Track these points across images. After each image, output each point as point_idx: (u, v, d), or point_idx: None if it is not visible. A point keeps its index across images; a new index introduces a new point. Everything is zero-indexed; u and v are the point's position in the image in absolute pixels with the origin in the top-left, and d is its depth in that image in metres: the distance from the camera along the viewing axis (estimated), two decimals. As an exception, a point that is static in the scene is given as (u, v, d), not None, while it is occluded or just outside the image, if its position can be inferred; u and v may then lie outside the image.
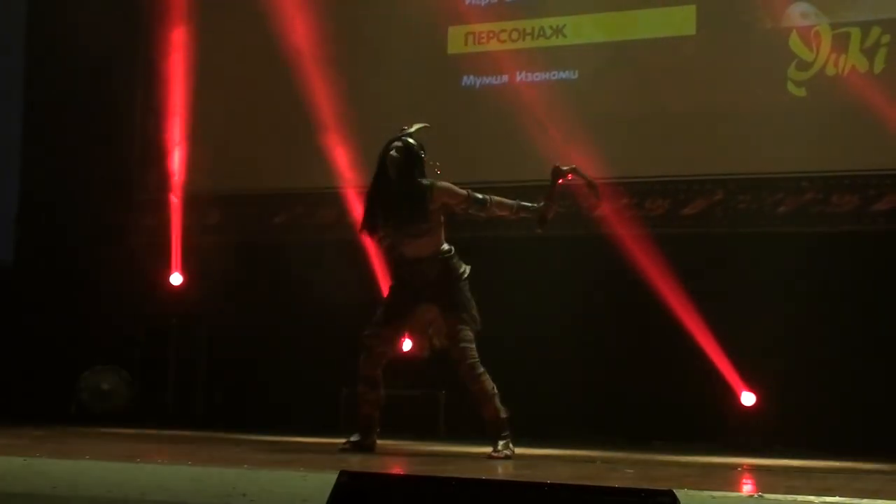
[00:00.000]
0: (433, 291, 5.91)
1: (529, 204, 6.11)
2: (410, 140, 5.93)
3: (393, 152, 5.88)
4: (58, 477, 3.87)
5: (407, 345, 7.35)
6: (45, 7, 10.07)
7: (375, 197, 5.98)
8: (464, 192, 6.00)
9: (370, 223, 6.00)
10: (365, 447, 5.95)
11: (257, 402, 8.99)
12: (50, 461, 4.49)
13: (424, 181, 5.89)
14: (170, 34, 9.56)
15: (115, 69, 9.62)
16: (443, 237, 6.00)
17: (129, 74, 9.80)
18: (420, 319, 6.00)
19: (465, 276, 5.99)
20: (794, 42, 8.02)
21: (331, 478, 2.50)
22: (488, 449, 5.80)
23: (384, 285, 8.02)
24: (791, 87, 8.02)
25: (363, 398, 6.04)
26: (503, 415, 5.86)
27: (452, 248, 6.01)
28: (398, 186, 5.86)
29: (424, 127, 6.06)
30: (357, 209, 8.57)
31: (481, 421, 5.96)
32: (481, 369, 5.86)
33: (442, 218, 5.98)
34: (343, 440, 6.13)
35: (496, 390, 5.87)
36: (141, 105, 9.84)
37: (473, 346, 5.87)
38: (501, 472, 4.84)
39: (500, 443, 5.79)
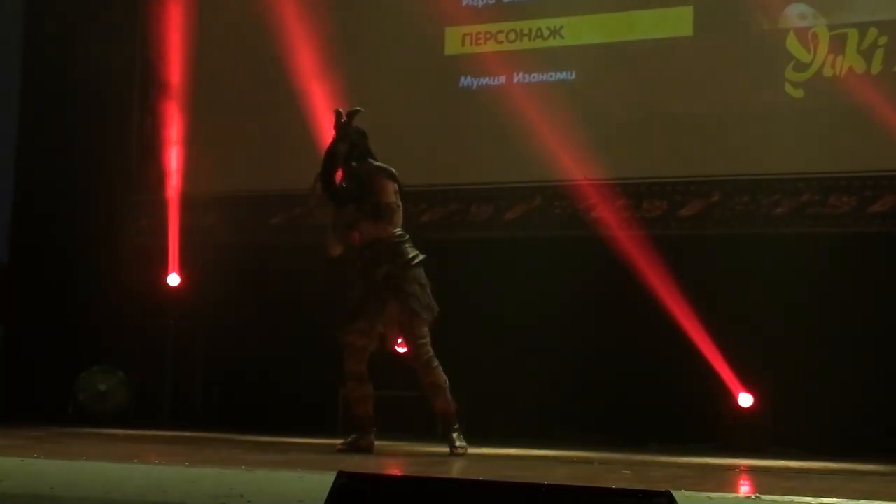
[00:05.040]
0: (388, 281, 5.95)
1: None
2: (353, 134, 6.11)
3: (341, 151, 6.06)
4: (55, 478, 3.87)
5: (403, 346, 7.40)
6: (41, 8, 10.06)
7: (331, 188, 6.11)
8: (393, 190, 6.04)
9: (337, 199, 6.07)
10: (362, 448, 5.95)
11: (255, 402, 8.99)
12: (47, 462, 4.48)
13: (370, 165, 6.05)
14: (166, 34, 9.56)
15: (112, 69, 9.62)
16: (397, 221, 6.03)
17: (125, 75, 9.79)
18: (389, 315, 6.02)
19: (417, 261, 5.99)
20: (792, 43, 8.02)
21: (329, 478, 2.50)
22: (486, 450, 5.83)
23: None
24: (788, 88, 8.02)
25: (354, 396, 6.07)
26: (454, 406, 5.98)
27: (406, 234, 6.05)
28: (350, 168, 6.04)
29: (359, 112, 6.19)
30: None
31: (432, 413, 6.10)
32: (436, 363, 5.98)
33: (399, 202, 6.05)
34: (341, 441, 6.13)
35: (447, 383, 5.98)
36: (138, 105, 9.83)
37: (427, 339, 5.97)
38: (499, 473, 4.83)
39: (454, 435, 5.93)
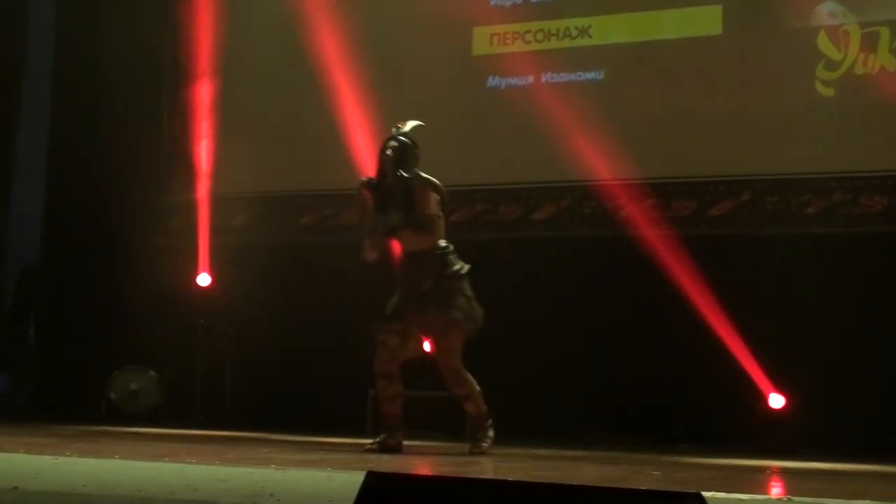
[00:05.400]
0: (432, 292, 5.96)
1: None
2: (405, 138, 6.09)
3: (388, 151, 6.06)
4: (87, 476, 3.90)
5: (431, 347, 7.41)
6: (72, 9, 10.13)
7: (375, 193, 6.12)
8: (435, 201, 6.07)
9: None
10: (391, 447, 5.96)
11: (285, 402, 9.01)
12: (80, 460, 4.53)
13: (416, 176, 6.05)
14: (196, 34, 9.60)
15: (141, 69, 9.67)
16: (439, 232, 6.04)
17: (155, 75, 9.85)
18: (426, 322, 6.03)
19: (463, 272, 6.00)
20: (823, 41, 7.98)
21: (358, 478, 2.50)
22: (514, 450, 5.84)
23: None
24: (819, 86, 7.97)
25: (383, 395, 6.08)
26: (484, 409, 6.07)
27: (450, 246, 6.06)
28: (393, 181, 6.03)
29: (419, 125, 6.16)
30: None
31: (464, 415, 6.21)
32: (465, 373, 6.03)
33: (440, 213, 6.07)
34: (369, 440, 6.15)
35: (478, 388, 6.06)
36: (168, 105, 9.88)
37: (458, 351, 6.01)
38: (527, 473, 4.84)
39: (479, 433, 6.02)
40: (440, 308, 5.94)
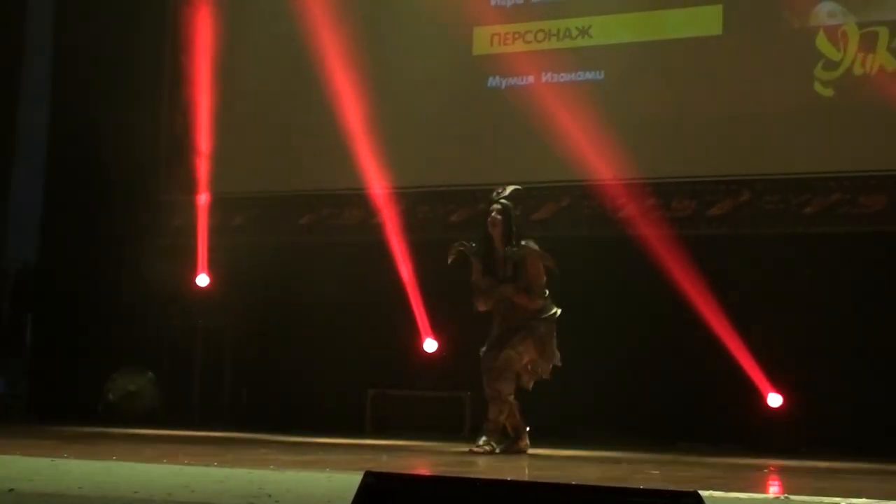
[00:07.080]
0: (527, 325, 6.38)
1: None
2: (506, 203, 6.44)
3: (495, 218, 6.40)
4: (84, 477, 3.89)
5: (431, 346, 7.56)
6: (72, 6, 10.10)
7: (484, 259, 6.45)
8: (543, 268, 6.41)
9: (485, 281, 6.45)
10: (518, 449, 6.34)
11: (283, 403, 9.01)
12: (77, 462, 4.51)
13: (525, 247, 6.38)
14: (196, 35, 9.58)
15: (142, 69, 9.65)
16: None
17: (155, 75, 9.83)
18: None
19: (557, 315, 6.45)
20: (822, 42, 7.97)
21: (356, 478, 2.50)
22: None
23: (409, 287, 8.15)
24: (818, 86, 7.97)
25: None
26: (501, 420, 6.36)
27: (557, 311, 6.43)
28: (501, 249, 6.39)
29: (517, 189, 6.55)
30: (385, 210, 8.66)
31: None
32: (511, 375, 6.33)
33: (545, 277, 6.42)
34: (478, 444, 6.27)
35: (512, 398, 6.36)
36: (168, 105, 9.87)
37: (522, 358, 6.35)
38: (526, 473, 4.83)
39: (483, 438, 6.25)
40: (531, 332, 6.35)
